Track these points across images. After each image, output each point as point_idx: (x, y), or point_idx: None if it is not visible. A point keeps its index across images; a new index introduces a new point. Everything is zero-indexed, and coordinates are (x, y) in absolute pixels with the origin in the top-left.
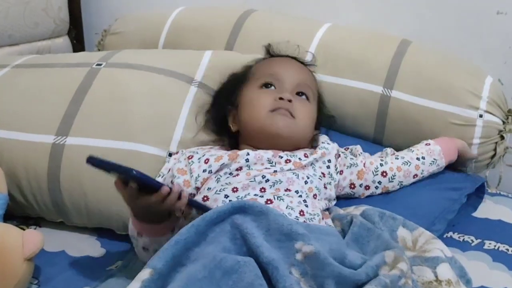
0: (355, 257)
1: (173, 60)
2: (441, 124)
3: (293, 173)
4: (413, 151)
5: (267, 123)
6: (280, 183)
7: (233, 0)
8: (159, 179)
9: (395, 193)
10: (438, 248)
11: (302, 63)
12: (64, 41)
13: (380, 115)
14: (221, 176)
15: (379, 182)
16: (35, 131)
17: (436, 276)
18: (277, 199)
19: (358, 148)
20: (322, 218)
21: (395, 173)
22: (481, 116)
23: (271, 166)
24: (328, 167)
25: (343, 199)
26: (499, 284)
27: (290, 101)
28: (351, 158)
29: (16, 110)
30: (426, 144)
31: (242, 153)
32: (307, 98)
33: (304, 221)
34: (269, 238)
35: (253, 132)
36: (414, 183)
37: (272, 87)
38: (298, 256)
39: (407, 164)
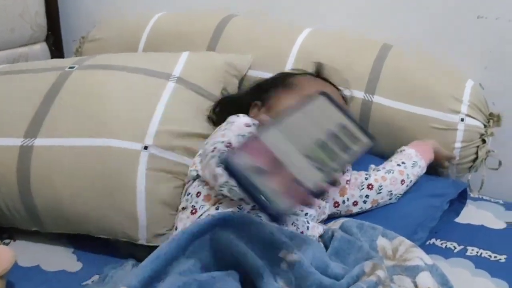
0: (338, 268)
1: (149, 60)
2: (423, 129)
3: None
4: (391, 160)
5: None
6: None
7: (213, 4)
8: None
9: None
10: (418, 256)
11: (344, 99)
12: (42, 47)
13: (362, 120)
14: None
15: (367, 196)
16: (3, 135)
17: (416, 286)
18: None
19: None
20: None
21: (381, 184)
22: (462, 120)
23: None
24: None
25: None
26: None
27: None
28: None
29: None
30: (401, 151)
31: None
32: None
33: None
34: (253, 247)
35: None
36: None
37: None
38: (283, 265)
39: (390, 172)
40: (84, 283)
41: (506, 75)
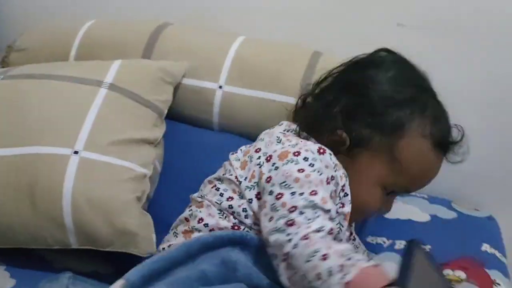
0: None
1: (79, 68)
2: None
3: None
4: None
5: (366, 213)
6: None
7: (145, 13)
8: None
9: None
10: None
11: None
12: None
13: None
14: None
15: None
16: None
17: None
18: None
19: None
20: None
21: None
22: None
23: None
24: None
25: None
26: None
27: None
28: None
29: None
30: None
31: None
32: None
33: None
34: (267, 274)
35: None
36: None
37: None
38: None
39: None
40: None
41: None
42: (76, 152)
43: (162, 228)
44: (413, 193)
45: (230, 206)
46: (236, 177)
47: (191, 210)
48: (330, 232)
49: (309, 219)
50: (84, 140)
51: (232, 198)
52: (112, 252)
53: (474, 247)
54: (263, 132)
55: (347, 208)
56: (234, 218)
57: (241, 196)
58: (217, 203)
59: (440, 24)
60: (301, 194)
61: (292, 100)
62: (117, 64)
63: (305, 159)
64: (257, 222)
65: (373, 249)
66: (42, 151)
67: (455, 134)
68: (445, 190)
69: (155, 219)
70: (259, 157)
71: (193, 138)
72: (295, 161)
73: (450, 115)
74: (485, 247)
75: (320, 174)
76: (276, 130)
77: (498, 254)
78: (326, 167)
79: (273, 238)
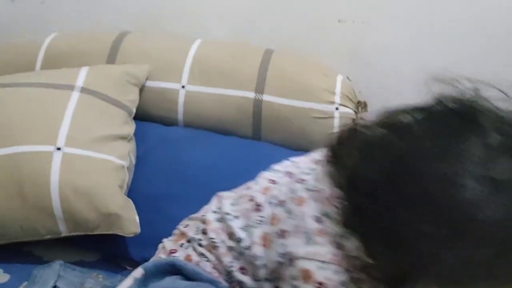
0: None
1: (50, 76)
2: (307, 120)
3: None
4: None
5: None
6: None
7: (103, 24)
8: None
9: None
10: None
11: None
12: None
13: (255, 117)
14: None
15: None
16: None
17: None
18: None
19: None
20: None
21: None
22: (337, 109)
23: None
24: None
25: None
26: None
27: None
28: None
29: None
30: None
31: None
32: None
33: None
34: None
35: None
36: None
37: None
38: None
39: None
40: None
41: (366, 67)
42: (58, 149)
43: (140, 211)
44: None
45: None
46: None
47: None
48: None
49: None
50: (65, 138)
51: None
52: (96, 242)
53: None
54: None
55: None
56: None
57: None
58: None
59: (383, 18)
60: None
61: (249, 94)
62: (85, 70)
63: None
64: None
65: None
66: (27, 150)
67: None
68: None
69: (134, 204)
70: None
71: (162, 133)
72: None
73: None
74: None
75: None
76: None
77: None
78: None
79: None
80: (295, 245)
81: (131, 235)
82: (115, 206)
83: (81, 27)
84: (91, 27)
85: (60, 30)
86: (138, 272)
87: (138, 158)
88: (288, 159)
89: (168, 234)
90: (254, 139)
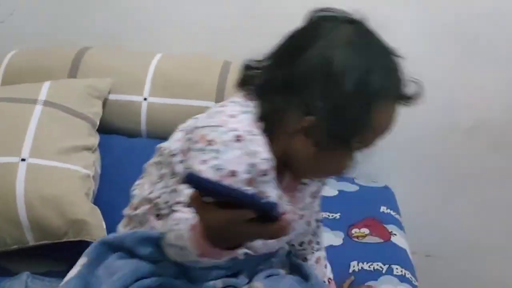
0: None
1: (12, 91)
2: None
3: None
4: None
5: (317, 174)
6: None
7: (63, 40)
8: None
9: None
10: None
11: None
12: None
13: None
14: None
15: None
16: None
17: None
18: None
19: None
20: None
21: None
22: None
23: None
24: None
25: None
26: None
27: None
28: None
29: None
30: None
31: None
32: None
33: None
34: None
35: (296, 165)
36: None
37: None
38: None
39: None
40: None
41: None
42: (23, 160)
43: (106, 218)
44: None
45: None
46: None
47: None
48: None
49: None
50: (29, 149)
51: None
52: (63, 252)
53: (374, 210)
54: None
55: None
56: None
57: None
58: None
59: None
60: None
61: (210, 104)
62: (47, 85)
63: (214, 151)
64: None
65: None
66: None
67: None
68: None
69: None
70: None
71: (126, 144)
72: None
73: None
74: (383, 209)
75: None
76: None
77: (393, 213)
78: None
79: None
80: (200, 121)
81: None
82: (82, 213)
83: (41, 45)
84: (51, 45)
85: (20, 48)
86: (82, 260)
87: (103, 168)
88: None
89: None
90: None
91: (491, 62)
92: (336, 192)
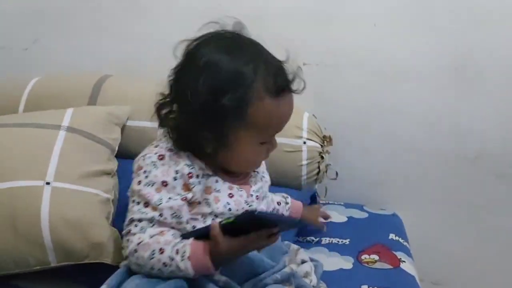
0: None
1: (37, 117)
2: (278, 154)
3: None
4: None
5: (248, 168)
6: None
7: (84, 67)
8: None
9: None
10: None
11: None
12: None
13: None
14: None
15: None
16: None
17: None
18: None
19: None
20: None
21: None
22: (304, 143)
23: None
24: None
25: None
26: (335, 266)
27: None
28: None
29: None
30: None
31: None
32: None
33: None
34: None
35: (231, 169)
36: None
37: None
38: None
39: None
40: None
41: (329, 105)
42: (48, 183)
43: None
44: (332, 201)
45: None
46: None
47: None
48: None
49: (141, 229)
50: (54, 173)
51: None
52: (82, 273)
53: (383, 237)
54: None
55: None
56: None
57: None
58: None
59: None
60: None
61: None
62: (70, 111)
63: (144, 172)
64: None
65: (304, 246)
66: (18, 185)
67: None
68: (357, 197)
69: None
70: None
71: None
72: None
73: None
74: (392, 236)
75: (152, 185)
76: None
77: (401, 240)
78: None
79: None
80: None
81: (117, 264)
82: (103, 236)
83: (65, 71)
84: (72, 72)
85: (43, 75)
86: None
87: (120, 192)
88: None
89: None
90: None
91: (491, 94)
92: (346, 219)
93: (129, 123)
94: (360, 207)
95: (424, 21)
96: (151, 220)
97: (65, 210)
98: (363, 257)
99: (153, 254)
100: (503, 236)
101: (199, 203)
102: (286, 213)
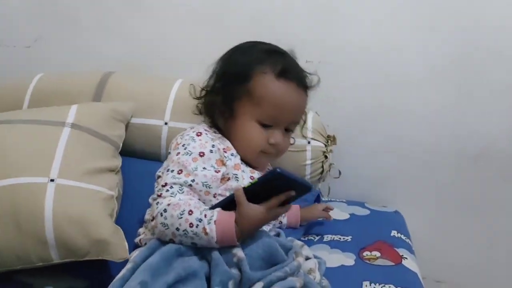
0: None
1: (41, 113)
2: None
3: None
4: None
5: (253, 159)
6: None
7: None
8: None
9: None
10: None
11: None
12: None
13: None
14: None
15: None
16: None
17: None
18: None
19: None
20: None
21: None
22: (309, 142)
23: None
24: None
25: None
26: (337, 263)
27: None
28: None
29: None
30: None
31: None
32: (292, 131)
33: None
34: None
35: (239, 152)
36: None
37: (269, 126)
38: (235, 259)
39: None
40: None
41: (331, 103)
42: (52, 180)
43: (127, 238)
44: (334, 199)
45: None
46: None
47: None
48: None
49: (172, 193)
50: (58, 170)
51: None
52: (85, 269)
53: (385, 234)
54: None
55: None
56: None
57: None
58: None
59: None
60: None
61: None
62: (75, 107)
63: (183, 145)
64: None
65: (307, 243)
66: (22, 181)
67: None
68: (359, 194)
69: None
70: None
71: (146, 167)
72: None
73: None
74: (393, 233)
75: (190, 155)
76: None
77: (403, 237)
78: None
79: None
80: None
81: (120, 260)
82: (106, 233)
83: (67, 70)
84: (77, 69)
85: (47, 72)
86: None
87: (124, 189)
88: None
89: None
90: None
91: (494, 93)
92: (348, 216)
93: (133, 120)
94: (362, 204)
95: (427, 20)
96: (183, 185)
97: (68, 207)
98: (364, 253)
99: (182, 214)
100: (506, 235)
101: (229, 179)
102: (283, 219)
